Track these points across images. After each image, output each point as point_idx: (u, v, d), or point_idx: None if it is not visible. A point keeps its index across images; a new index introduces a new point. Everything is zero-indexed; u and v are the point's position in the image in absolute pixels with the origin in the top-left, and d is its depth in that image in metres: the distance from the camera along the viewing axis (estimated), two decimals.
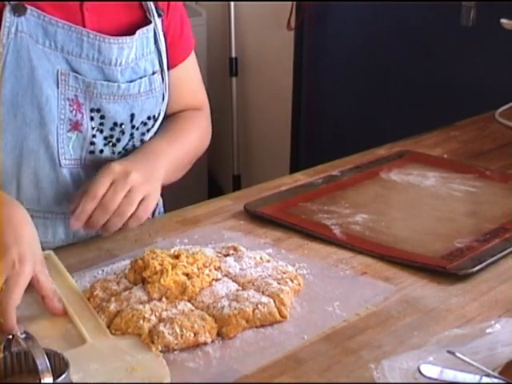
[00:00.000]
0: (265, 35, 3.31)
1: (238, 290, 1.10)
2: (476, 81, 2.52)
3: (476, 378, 0.87)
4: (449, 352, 0.90)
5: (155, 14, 1.32)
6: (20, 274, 1.01)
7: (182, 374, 0.94)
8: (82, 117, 1.24)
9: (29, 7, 1.18)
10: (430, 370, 0.88)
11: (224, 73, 3.42)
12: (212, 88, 3.48)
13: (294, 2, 3.05)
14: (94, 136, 1.27)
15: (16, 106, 1.19)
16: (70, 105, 1.23)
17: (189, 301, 1.07)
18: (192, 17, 3.29)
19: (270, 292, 1.08)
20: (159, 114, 1.35)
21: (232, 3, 3.31)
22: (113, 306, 1.04)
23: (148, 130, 1.34)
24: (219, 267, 1.15)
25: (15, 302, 0.99)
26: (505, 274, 1.21)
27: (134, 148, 1.33)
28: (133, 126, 1.30)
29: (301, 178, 1.59)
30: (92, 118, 1.26)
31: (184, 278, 1.08)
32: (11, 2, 1.17)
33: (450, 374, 0.88)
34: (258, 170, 3.46)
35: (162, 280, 1.06)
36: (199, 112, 1.48)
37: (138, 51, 1.28)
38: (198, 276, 1.09)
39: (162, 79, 1.34)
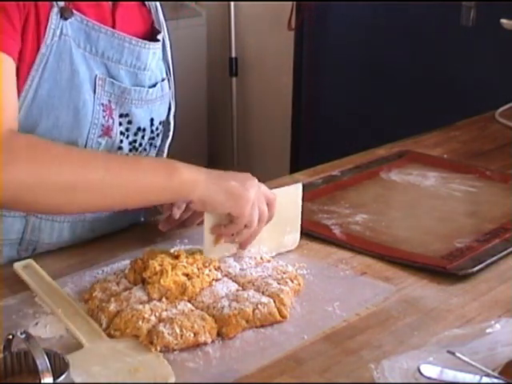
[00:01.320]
0: (265, 35, 3.31)
1: (238, 290, 1.10)
2: (476, 81, 2.52)
3: (476, 378, 0.87)
4: (449, 352, 0.90)
5: (165, 27, 1.34)
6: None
7: (182, 374, 0.94)
8: (113, 122, 1.25)
9: (74, 11, 1.19)
10: (430, 370, 0.88)
11: (224, 73, 3.42)
12: (212, 88, 3.49)
13: (294, 2, 3.05)
14: (121, 141, 1.27)
15: (51, 107, 1.18)
16: (103, 110, 1.23)
17: (189, 301, 1.07)
18: (192, 17, 3.31)
19: (270, 292, 1.08)
20: (167, 120, 1.37)
21: (232, 3, 3.31)
22: (113, 306, 1.04)
23: (158, 135, 1.35)
24: (219, 267, 1.15)
25: None
26: (505, 273, 1.21)
27: (145, 150, 1.33)
28: (152, 131, 1.32)
29: (301, 178, 1.59)
30: (120, 124, 1.26)
31: (184, 278, 1.08)
32: (59, 5, 1.17)
33: (449, 374, 0.88)
34: (258, 170, 3.46)
35: (161, 280, 1.06)
36: None
37: (156, 57, 1.31)
38: (198, 276, 1.09)
39: (169, 87, 1.36)
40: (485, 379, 0.87)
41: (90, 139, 1.22)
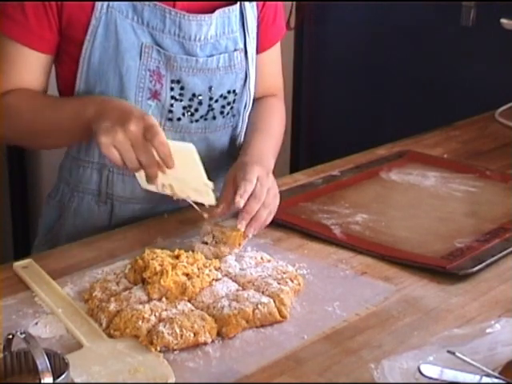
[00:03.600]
0: None
1: (238, 290, 1.10)
2: (476, 81, 2.52)
3: (476, 378, 0.87)
4: (449, 352, 0.90)
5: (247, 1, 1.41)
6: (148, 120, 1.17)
7: (182, 373, 0.94)
8: (161, 87, 1.36)
9: None
10: (430, 370, 0.88)
11: None
12: None
13: (294, 2, 3.05)
14: (171, 105, 1.37)
15: (102, 72, 1.34)
16: (150, 75, 1.34)
17: (189, 301, 1.07)
18: None
19: (270, 292, 1.08)
20: (243, 90, 1.44)
21: None
22: (112, 306, 1.04)
23: (229, 103, 1.43)
24: (219, 267, 1.15)
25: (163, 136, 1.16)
26: (505, 273, 1.21)
27: (215, 119, 1.42)
28: (210, 98, 1.40)
29: (301, 178, 1.59)
30: (172, 89, 1.36)
31: (184, 278, 1.08)
32: None
33: (449, 374, 0.88)
34: None
35: (161, 281, 1.06)
36: (275, 99, 1.61)
37: (218, 29, 1.38)
38: (198, 276, 1.09)
39: (246, 58, 1.42)
40: (485, 379, 0.87)
41: (138, 101, 1.35)
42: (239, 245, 1.21)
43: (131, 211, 1.40)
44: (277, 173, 1.37)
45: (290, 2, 3.05)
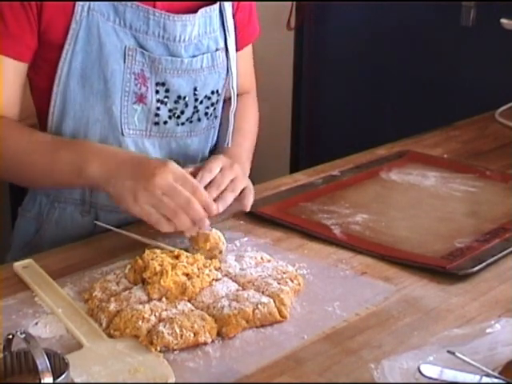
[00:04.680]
0: (265, 35, 3.29)
1: (238, 290, 1.10)
2: (476, 81, 2.52)
3: (476, 378, 0.87)
4: (449, 352, 0.90)
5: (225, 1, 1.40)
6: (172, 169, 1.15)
7: (182, 373, 0.94)
8: (147, 90, 1.33)
9: None
10: (430, 370, 0.88)
11: None
12: None
13: (294, 2, 3.05)
14: (158, 108, 1.35)
15: (85, 77, 1.29)
16: (135, 78, 1.32)
17: (189, 301, 1.07)
18: None
19: (270, 292, 1.08)
20: (224, 90, 1.44)
21: None
22: (112, 306, 1.04)
23: (212, 104, 1.42)
24: (219, 267, 1.15)
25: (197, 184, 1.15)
26: (505, 273, 1.21)
27: (200, 120, 1.41)
28: (196, 99, 1.39)
29: (301, 178, 1.59)
30: (157, 92, 1.34)
31: (184, 278, 1.08)
32: None
33: (449, 374, 0.88)
34: (258, 170, 3.46)
35: (161, 281, 1.06)
36: (248, 96, 1.60)
37: (200, 29, 1.37)
38: (198, 276, 1.09)
39: (227, 57, 1.42)
40: (485, 379, 0.87)
41: (124, 106, 1.32)
42: (220, 252, 1.19)
43: (116, 220, 1.33)
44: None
45: (290, 2, 3.05)
